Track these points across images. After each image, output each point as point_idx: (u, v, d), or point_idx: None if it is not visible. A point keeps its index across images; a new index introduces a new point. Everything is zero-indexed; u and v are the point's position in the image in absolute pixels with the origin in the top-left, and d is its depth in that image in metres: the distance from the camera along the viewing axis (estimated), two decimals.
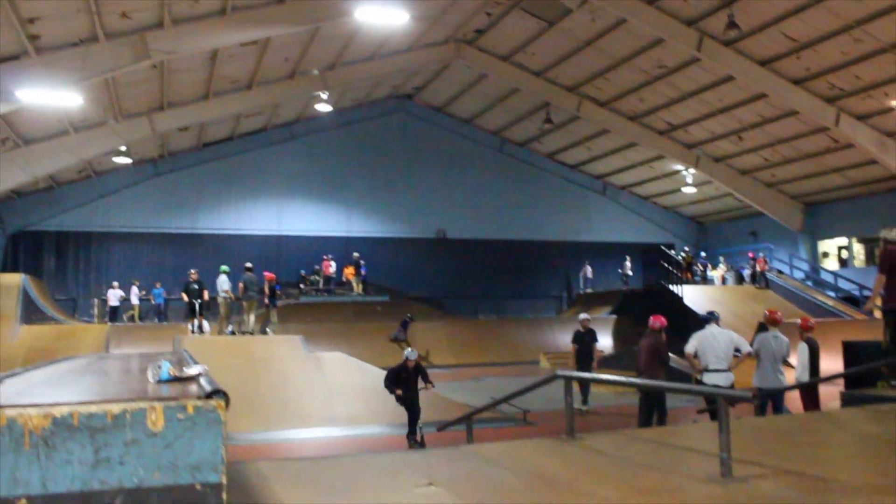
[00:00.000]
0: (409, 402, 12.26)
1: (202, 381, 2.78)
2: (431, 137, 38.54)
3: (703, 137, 32.67)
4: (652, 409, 11.10)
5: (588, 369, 15.22)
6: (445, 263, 37.72)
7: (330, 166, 36.65)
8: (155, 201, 34.31)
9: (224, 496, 1.90)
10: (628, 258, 35.61)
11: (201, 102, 27.96)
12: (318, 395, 15.43)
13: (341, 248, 35.04)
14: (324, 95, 29.63)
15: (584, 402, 15.19)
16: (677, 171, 37.20)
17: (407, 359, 12.47)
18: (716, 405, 9.64)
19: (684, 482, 4.57)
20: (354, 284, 32.53)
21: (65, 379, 4.45)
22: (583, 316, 17.01)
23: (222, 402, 1.98)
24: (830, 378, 10.14)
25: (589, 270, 35.86)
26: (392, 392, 12.28)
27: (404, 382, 12.30)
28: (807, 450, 5.67)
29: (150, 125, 27.39)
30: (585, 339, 15.81)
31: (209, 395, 2.24)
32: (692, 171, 35.68)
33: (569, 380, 5.95)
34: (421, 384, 12.59)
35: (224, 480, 1.91)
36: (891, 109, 26.27)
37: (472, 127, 39.47)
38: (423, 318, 29.87)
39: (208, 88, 26.98)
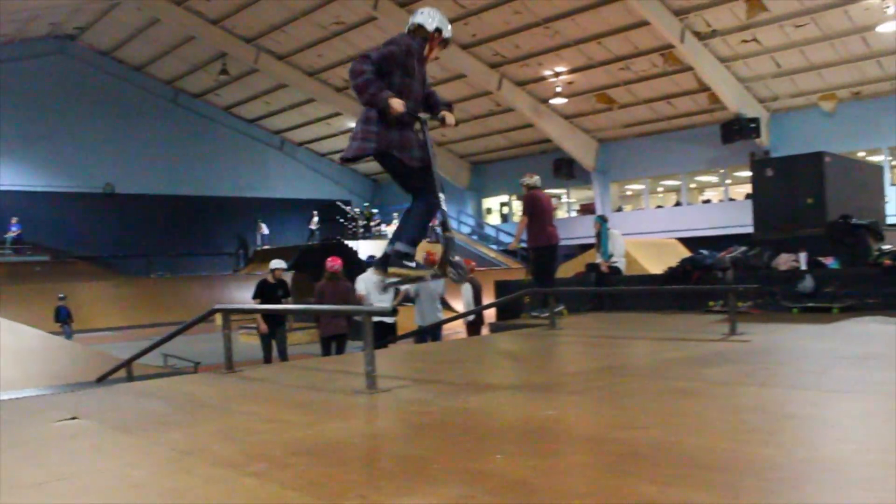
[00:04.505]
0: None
1: None
2: (98, 84, 35.82)
3: None
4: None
5: (283, 330, 12.10)
6: (114, 220, 35.49)
7: None
8: None
9: None
10: (316, 213, 35.71)
11: None
12: None
13: None
14: None
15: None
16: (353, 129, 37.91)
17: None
18: (386, 341, 10.25)
19: (333, 396, 4.78)
20: None
21: None
22: (277, 264, 12.03)
23: None
24: (485, 307, 11.13)
25: (264, 227, 35.64)
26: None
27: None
28: (452, 365, 6.18)
29: None
30: (277, 294, 11.67)
31: None
32: None
33: (227, 312, 5.92)
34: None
35: None
36: (543, 78, 28.84)
37: (144, 75, 37.31)
38: (87, 278, 27.97)
39: None
